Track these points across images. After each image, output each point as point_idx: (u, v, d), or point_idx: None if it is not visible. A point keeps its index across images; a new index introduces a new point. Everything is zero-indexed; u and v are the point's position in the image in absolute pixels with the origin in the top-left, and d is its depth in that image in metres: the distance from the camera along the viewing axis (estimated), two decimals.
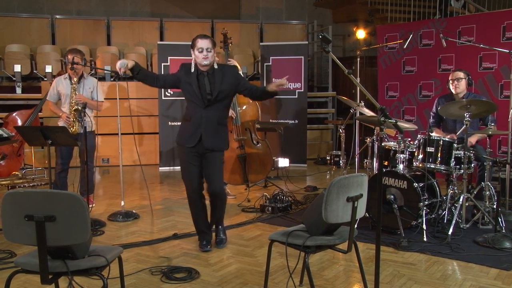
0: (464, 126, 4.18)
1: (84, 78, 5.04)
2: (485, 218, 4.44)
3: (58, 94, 5.08)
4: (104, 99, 5.29)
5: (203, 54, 3.75)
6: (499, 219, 4.19)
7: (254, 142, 5.96)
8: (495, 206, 4.37)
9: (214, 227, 4.14)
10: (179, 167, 7.96)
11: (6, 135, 4.60)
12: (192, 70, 3.83)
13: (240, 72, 5.60)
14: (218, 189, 3.93)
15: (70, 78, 4.99)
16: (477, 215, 4.49)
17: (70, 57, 4.93)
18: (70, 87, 4.93)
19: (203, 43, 3.75)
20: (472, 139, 4.84)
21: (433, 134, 4.57)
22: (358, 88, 5.99)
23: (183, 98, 8.54)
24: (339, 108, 9.89)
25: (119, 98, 4.98)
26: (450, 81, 4.93)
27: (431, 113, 5.25)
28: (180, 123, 4.07)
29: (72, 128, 4.86)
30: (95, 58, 9.04)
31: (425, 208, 4.18)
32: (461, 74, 4.90)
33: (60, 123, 5.04)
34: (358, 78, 5.68)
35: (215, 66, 3.85)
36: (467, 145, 4.30)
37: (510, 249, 3.86)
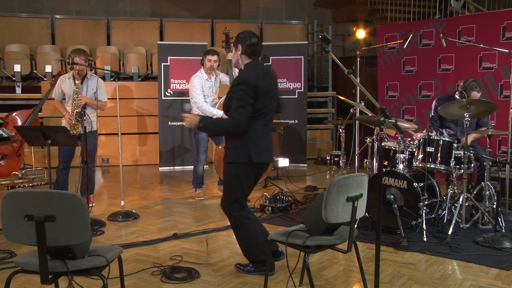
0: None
1: (87, 79, 5.03)
2: (485, 218, 4.44)
3: (62, 92, 5.07)
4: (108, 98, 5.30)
5: None
6: (499, 219, 4.19)
7: None
8: (495, 206, 4.37)
9: None
10: (179, 167, 8.07)
11: (6, 135, 4.60)
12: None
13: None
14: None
15: (74, 78, 5.00)
16: (477, 215, 4.48)
17: (78, 59, 4.89)
18: (74, 88, 4.94)
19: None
20: (468, 140, 4.83)
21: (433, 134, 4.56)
22: (358, 88, 5.99)
23: (183, 98, 8.51)
24: (339, 108, 9.90)
25: (119, 98, 4.98)
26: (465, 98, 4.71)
27: (433, 114, 5.20)
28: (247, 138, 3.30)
29: (74, 131, 4.86)
30: (95, 58, 9.04)
31: (425, 208, 4.18)
32: (480, 95, 4.78)
33: (63, 122, 5.05)
34: (358, 78, 5.68)
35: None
36: (466, 145, 4.31)
37: (510, 249, 3.86)
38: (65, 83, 5.04)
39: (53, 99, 5.22)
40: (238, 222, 3.36)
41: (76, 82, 4.93)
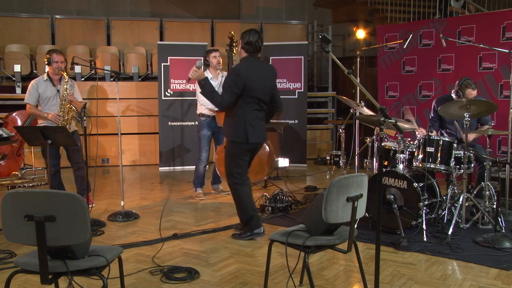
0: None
1: (63, 79, 4.96)
2: (485, 218, 4.44)
3: (38, 97, 4.94)
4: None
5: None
6: (499, 219, 4.19)
7: None
8: (495, 206, 4.37)
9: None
10: (179, 167, 8.08)
11: (6, 135, 4.60)
12: None
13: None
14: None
15: (51, 80, 4.95)
16: (477, 215, 4.48)
17: (60, 57, 4.86)
18: (54, 89, 4.91)
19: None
20: (469, 137, 4.83)
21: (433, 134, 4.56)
22: (358, 88, 5.99)
23: (183, 98, 8.52)
24: (339, 108, 9.90)
25: (119, 98, 4.98)
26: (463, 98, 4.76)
27: (432, 116, 5.19)
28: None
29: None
30: (95, 58, 9.03)
31: (425, 208, 4.18)
32: (476, 93, 4.83)
33: (44, 124, 4.96)
34: (358, 78, 5.67)
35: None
36: (466, 145, 4.31)
37: (510, 249, 3.86)
38: (42, 87, 4.94)
39: None
40: (232, 189, 4.17)
41: (65, 79, 4.90)
